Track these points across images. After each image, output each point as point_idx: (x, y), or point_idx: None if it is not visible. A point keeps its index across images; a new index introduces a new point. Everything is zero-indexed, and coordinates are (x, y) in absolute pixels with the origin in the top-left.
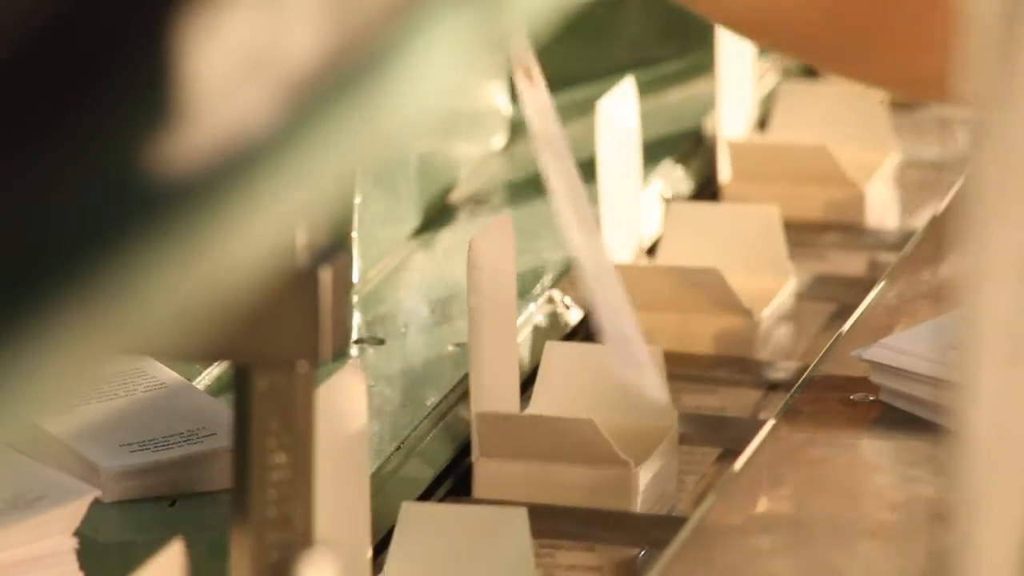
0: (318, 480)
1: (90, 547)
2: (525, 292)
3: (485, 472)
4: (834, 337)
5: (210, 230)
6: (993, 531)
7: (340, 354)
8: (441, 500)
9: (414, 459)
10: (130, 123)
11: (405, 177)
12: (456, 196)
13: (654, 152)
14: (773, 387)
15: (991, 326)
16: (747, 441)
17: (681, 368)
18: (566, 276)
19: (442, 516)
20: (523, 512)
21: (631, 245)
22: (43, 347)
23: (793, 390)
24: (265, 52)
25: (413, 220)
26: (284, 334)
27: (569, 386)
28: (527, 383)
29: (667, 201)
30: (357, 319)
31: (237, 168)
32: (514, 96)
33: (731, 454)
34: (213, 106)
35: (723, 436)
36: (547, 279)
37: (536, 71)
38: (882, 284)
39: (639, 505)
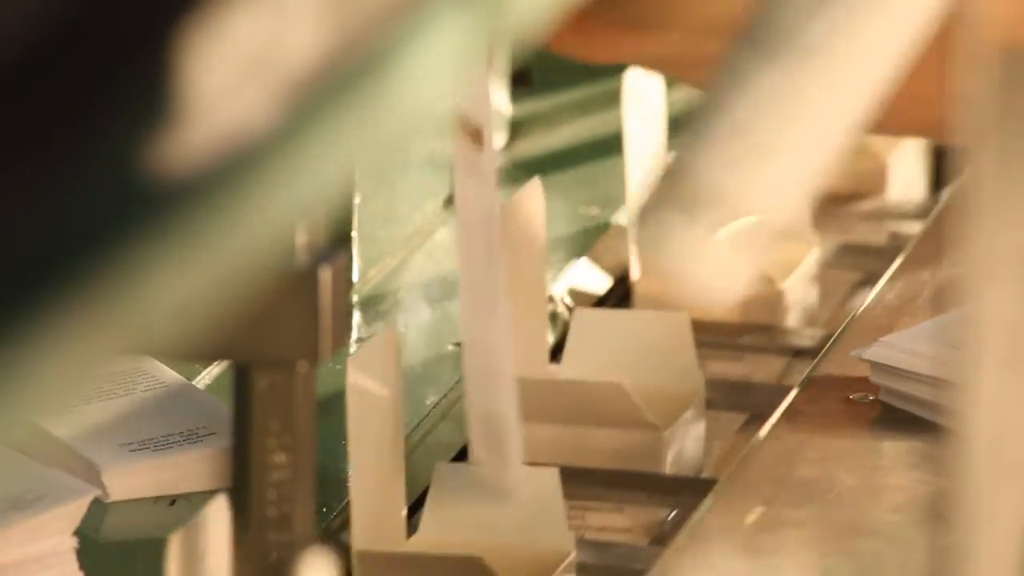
0: (355, 440)
1: (90, 547)
2: None
3: None
4: (834, 337)
5: (210, 230)
6: (993, 531)
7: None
8: None
9: (415, 458)
10: (130, 123)
11: (405, 177)
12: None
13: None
14: (798, 354)
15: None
16: (772, 407)
17: (707, 336)
18: (565, 276)
19: (475, 476)
20: (555, 472)
21: None
22: (43, 347)
23: (793, 390)
24: (265, 52)
25: (413, 220)
26: (284, 334)
27: (598, 351)
28: (556, 350)
29: None
30: (357, 319)
31: (237, 168)
32: (514, 96)
33: (757, 419)
34: (213, 106)
35: (749, 402)
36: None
37: (487, 132)
38: (882, 284)
39: (667, 468)
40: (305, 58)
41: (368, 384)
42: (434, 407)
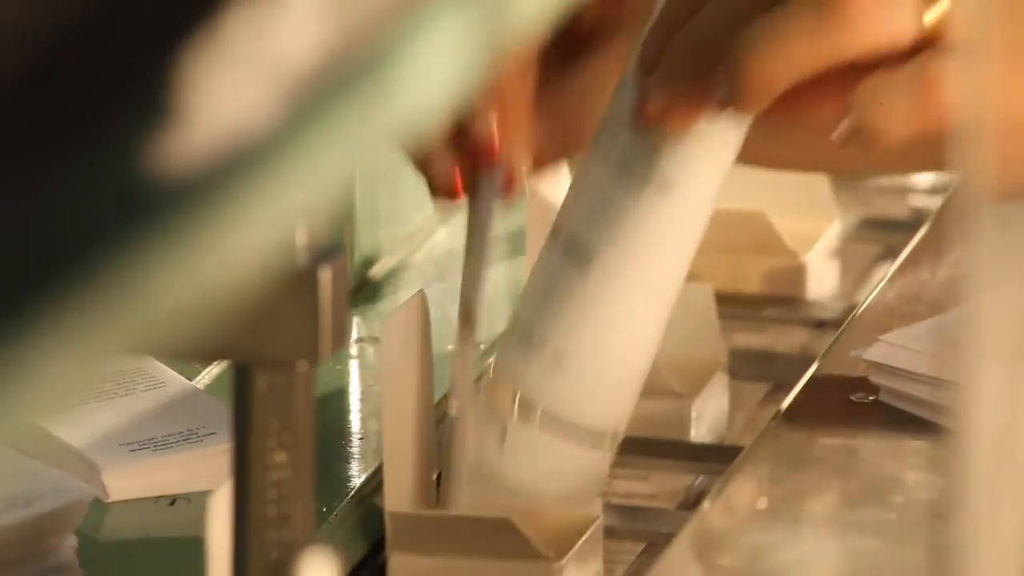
0: (388, 403)
1: (90, 547)
2: None
3: None
4: (834, 337)
5: (210, 230)
6: (994, 531)
7: (340, 354)
8: None
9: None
10: (130, 123)
11: (405, 177)
12: None
13: None
14: (820, 325)
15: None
16: (795, 377)
17: (730, 308)
18: None
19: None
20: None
21: None
22: (43, 347)
23: (793, 390)
24: (265, 52)
25: (413, 220)
26: (284, 334)
27: None
28: None
29: None
30: (357, 319)
31: (237, 168)
32: None
33: (779, 389)
34: (213, 106)
35: (772, 372)
36: None
37: (478, 316)
38: (882, 284)
39: (692, 436)
40: (305, 58)
41: (400, 348)
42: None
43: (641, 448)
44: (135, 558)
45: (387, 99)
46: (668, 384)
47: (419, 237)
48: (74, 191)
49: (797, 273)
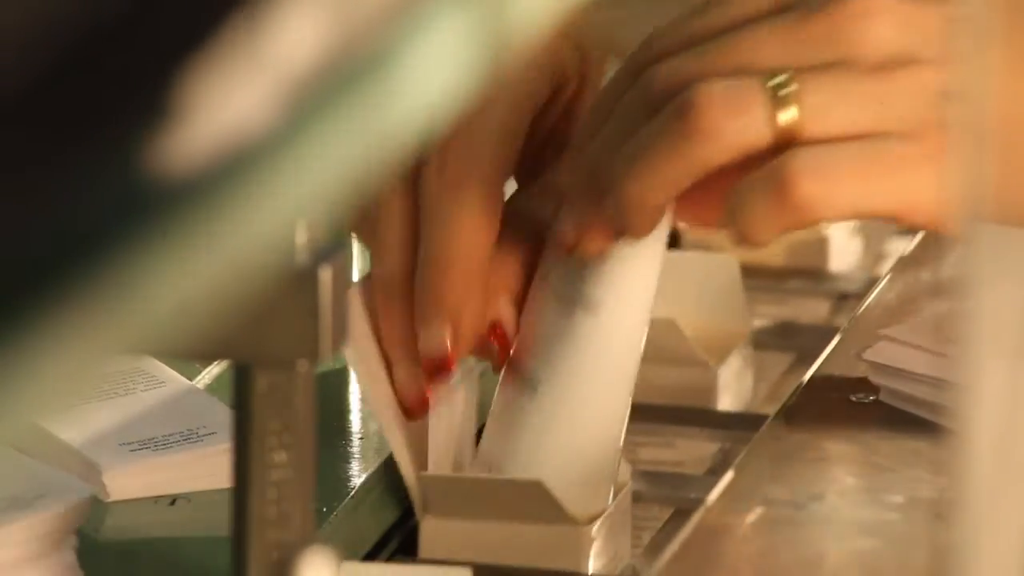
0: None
1: (90, 547)
2: None
3: None
4: (834, 338)
5: (210, 230)
6: (995, 531)
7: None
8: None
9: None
10: (129, 122)
11: None
12: None
13: None
14: (843, 297)
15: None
16: (819, 348)
17: (754, 280)
18: None
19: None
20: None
21: None
22: (43, 347)
23: (793, 390)
24: (265, 52)
25: None
26: (284, 333)
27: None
28: None
29: None
30: None
31: (237, 168)
32: None
33: (803, 360)
34: (213, 105)
35: (795, 342)
36: None
37: (462, 387)
38: (882, 284)
39: (719, 404)
40: (305, 58)
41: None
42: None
43: (667, 416)
44: (135, 558)
45: (387, 99)
46: (694, 353)
47: None
48: (74, 191)
49: (820, 245)
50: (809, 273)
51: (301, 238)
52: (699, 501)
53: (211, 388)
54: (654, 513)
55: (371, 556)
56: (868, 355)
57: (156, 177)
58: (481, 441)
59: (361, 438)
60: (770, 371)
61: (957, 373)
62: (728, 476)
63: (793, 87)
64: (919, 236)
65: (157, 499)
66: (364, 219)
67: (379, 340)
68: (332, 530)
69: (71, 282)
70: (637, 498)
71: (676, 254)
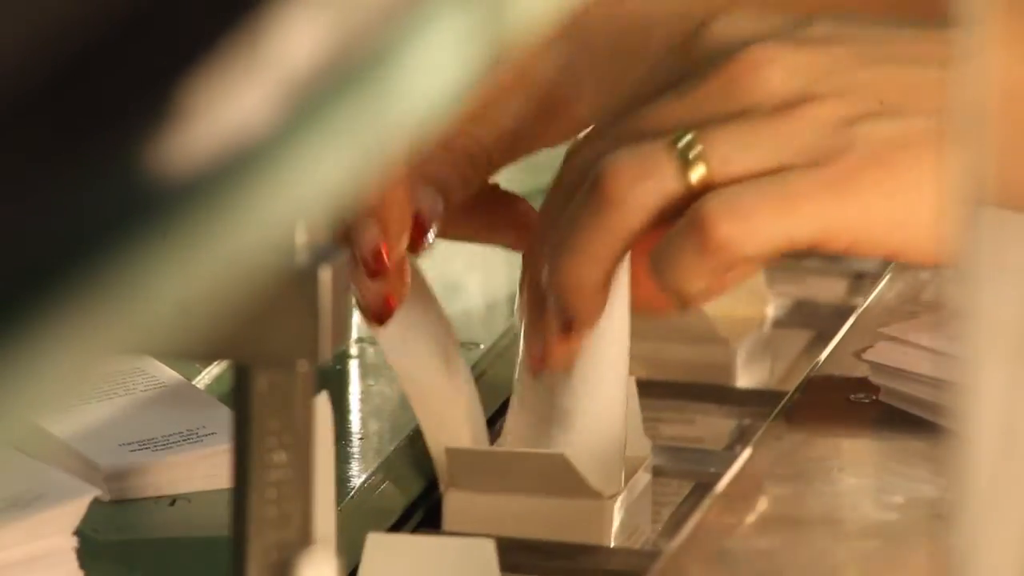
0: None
1: (90, 547)
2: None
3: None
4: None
5: (210, 229)
6: (995, 531)
7: (340, 353)
8: None
9: (415, 455)
10: (130, 122)
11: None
12: None
13: None
14: (859, 277)
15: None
16: (836, 326)
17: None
18: None
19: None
20: (631, 380)
21: None
22: (43, 347)
23: (793, 390)
24: (264, 52)
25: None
26: (284, 334)
27: None
28: None
29: None
30: (357, 318)
31: (237, 168)
32: None
33: (822, 339)
34: (212, 105)
35: (813, 322)
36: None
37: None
38: (882, 284)
39: (738, 381)
40: (306, 58)
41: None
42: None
43: (687, 393)
44: (135, 558)
45: (388, 99)
46: (714, 331)
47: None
48: (74, 191)
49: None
50: (825, 255)
51: (301, 238)
52: (718, 476)
53: (211, 388)
54: (674, 488)
55: (395, 529)
56: (868, 355)
57: (156, 177)
58: (505, 423)
59: (361, 438)
60: (788, 349)
61: (957, 373)
62: (747, 452)
63: (698, 146)
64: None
65: (157, 499)
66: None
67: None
68: (357, 502)
69: (71, 282)
70: (658, 473)
71: None
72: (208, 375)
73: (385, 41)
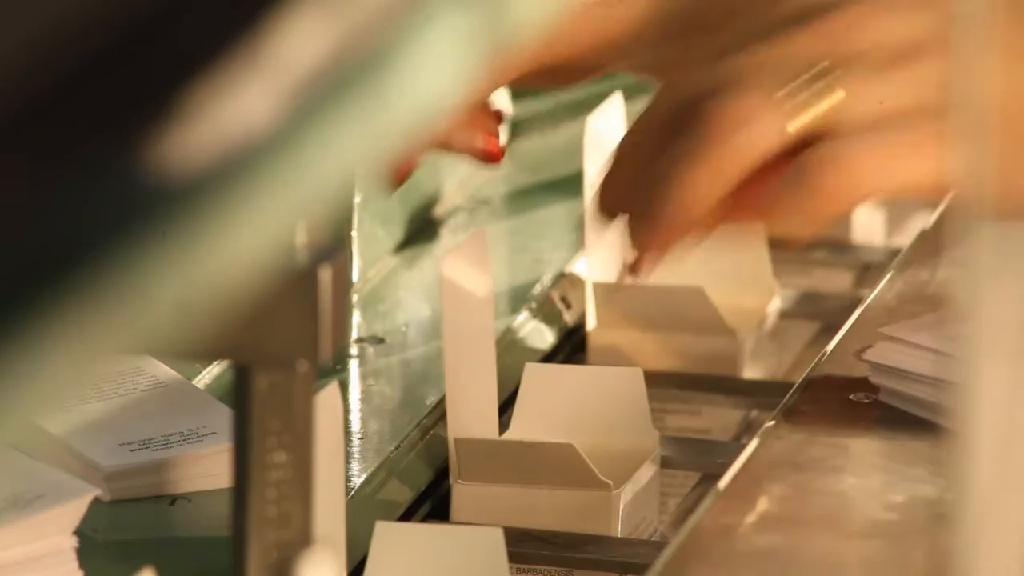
0: (449, 335)
1: (90, 547)
2: (525, 293)
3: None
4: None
5: (210, 230)
6: (995, 531)
7: (340, 353)
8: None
9: (415, 455)
10: (130, 122)
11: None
12: (457, 195)
13: None
14: (866, 268)
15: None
16: (844, 317)
17: (780, 251)
18: (566, 277)
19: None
20: (639, 372)
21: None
22: (43, 346)
23: (793, 390)
24: (265, 52)
25: (414, 219)
26: (284, 334)
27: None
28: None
29: None
30: (357, 318)
31: (237, 168)
32: (514, 95)
33: (828, 330)
34: (212, 106)
35: (820, 313)
36: (547, 279)
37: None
38: (882, 284)
39: (745, 372)
40: (306, 58)
41: (461, 281)
42: (435, 407)
43: (694, 384)
44: (135, 558)
45: (388, 100)
46: (722, 322)
47: (419, 237)
48: (74, 191)
49: (844, 217)
50: (833, 244)
51: (301, 238)
52: (725, 467)
53: (211, 388)
54: (680, 479)
55: (404, 519)
56: (868, 355)
57: (156, 177)
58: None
59: (361, 438)
60: (795, 340)
61: (957, 373)
62: (747, 452)
63: (833, 78)
64: (940, 209)
65: (157, 499)
66: None
67: None
68: (357, 502)
69: (72, 282)
70: (665, 464)
71: None
72: (208, 375)
73: (386, 42)
